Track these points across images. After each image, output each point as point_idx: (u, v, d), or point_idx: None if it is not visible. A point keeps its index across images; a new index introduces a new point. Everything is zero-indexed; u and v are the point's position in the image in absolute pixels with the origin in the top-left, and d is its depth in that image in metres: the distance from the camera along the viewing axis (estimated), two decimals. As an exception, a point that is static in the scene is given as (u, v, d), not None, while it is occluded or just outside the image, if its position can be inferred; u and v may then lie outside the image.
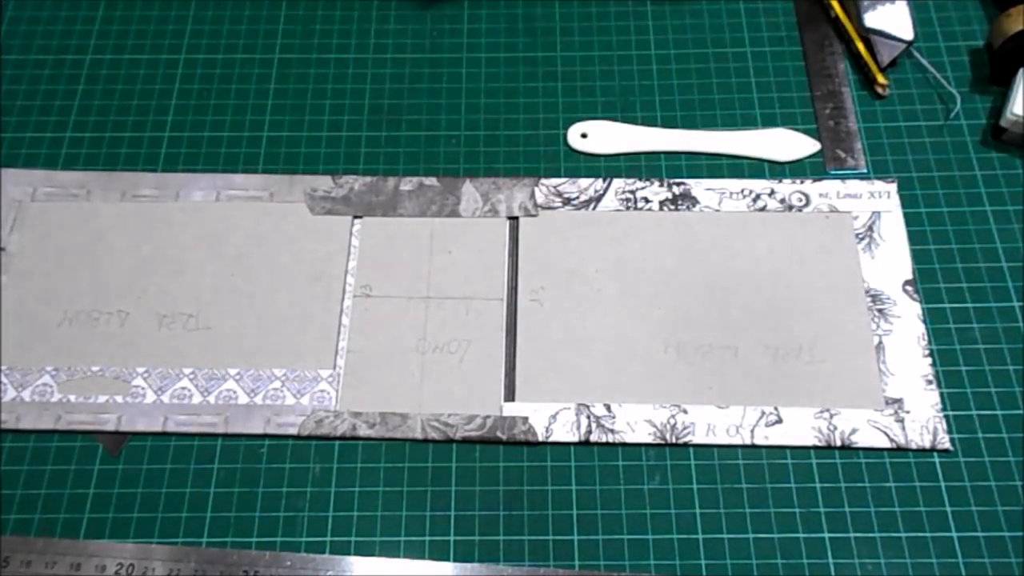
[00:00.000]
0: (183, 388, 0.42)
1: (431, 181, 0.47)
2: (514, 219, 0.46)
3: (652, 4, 0.53)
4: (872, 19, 0.49)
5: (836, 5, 0.51)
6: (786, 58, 0.51)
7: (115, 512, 0.39)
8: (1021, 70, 0.46)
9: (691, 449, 0.40)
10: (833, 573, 0.37)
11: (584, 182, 0.47)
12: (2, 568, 0.38)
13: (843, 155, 0.47)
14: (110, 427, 0.41)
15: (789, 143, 0.48)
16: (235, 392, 0.42)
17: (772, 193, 0.46)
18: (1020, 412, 0.40)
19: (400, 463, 0.40)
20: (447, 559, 0.38)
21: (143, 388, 0.42)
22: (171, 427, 0.41)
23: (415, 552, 0.38)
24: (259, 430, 0.41)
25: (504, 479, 0.40)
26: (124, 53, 0.52)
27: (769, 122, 0.49)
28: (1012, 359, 0.42)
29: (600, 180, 0.47)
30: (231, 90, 0.50)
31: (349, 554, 0.38)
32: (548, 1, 0.53)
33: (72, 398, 0.42)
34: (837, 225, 0.45)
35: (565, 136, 0.48)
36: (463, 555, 0.38)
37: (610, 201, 0.46)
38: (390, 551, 0.38)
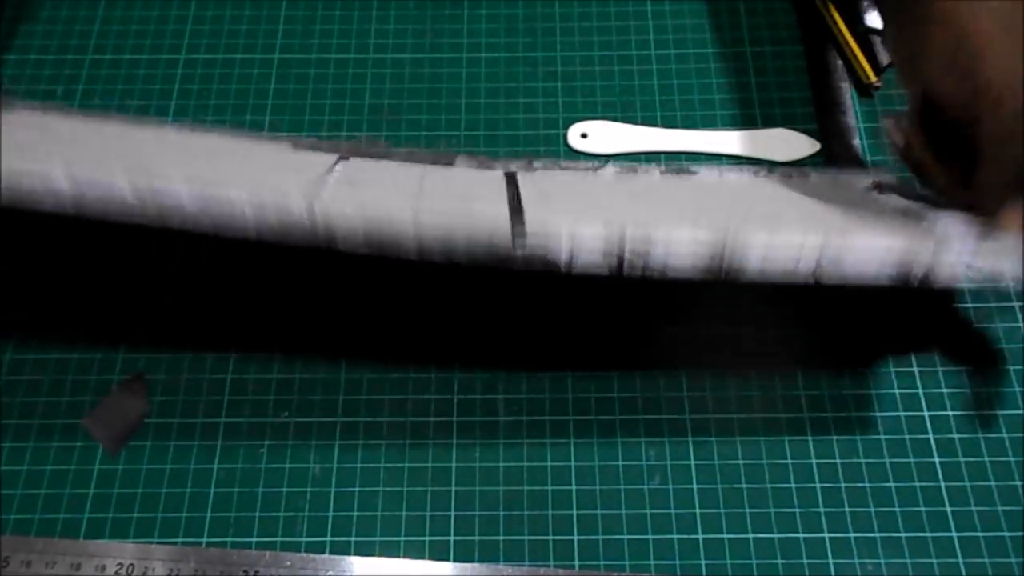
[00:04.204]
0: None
1: (431, 181, 0.46)
2: (514, 218, 0.45)
3: (652, 4, 0.53)
4: (873, 19, 0.49)
5: (830, 4, 0.51)
6: (786, 58, 0.51)
7: (115, 512, 0.39)
8: (1021, 70, 0.46)
9: (691, 448, 0.40)
10: (833, 573, 0.37)
11: (584, 182, 0.46)
12: (2, 568, 0.38)
13: (843, 155, 0.47)
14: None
15: (789, 143, 0.48)
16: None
17: (772, 192, 0.45)
18: (1020, 412, 0.40)
19: (400, 463, 0.40)
20: (447, 559, 0.38)
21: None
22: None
23: (415, 552, 0.38)
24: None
25: (504, 479, 0.40)
26: (124, 53, 0.52)
27: (769, 122, 0.48)
28: (1012, 359, 0.42)
29: (600, 180, 0.46)
30: (231, 90, 0.50)
31: (349, 554, 0.38)
32: (548, 1, 0.53)
33: None
34: (837, 224, 0.44)
35: (565, 136, 0.48)
36: (463, 555, 0.38)
37: (610, 200, 0.45)
38: (390, 551, 0.38)
